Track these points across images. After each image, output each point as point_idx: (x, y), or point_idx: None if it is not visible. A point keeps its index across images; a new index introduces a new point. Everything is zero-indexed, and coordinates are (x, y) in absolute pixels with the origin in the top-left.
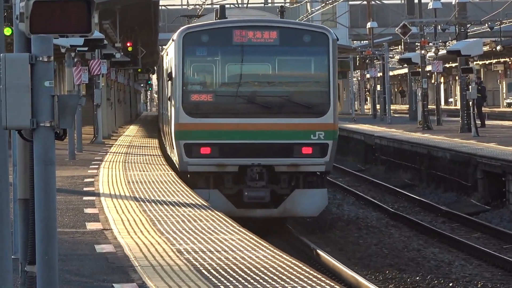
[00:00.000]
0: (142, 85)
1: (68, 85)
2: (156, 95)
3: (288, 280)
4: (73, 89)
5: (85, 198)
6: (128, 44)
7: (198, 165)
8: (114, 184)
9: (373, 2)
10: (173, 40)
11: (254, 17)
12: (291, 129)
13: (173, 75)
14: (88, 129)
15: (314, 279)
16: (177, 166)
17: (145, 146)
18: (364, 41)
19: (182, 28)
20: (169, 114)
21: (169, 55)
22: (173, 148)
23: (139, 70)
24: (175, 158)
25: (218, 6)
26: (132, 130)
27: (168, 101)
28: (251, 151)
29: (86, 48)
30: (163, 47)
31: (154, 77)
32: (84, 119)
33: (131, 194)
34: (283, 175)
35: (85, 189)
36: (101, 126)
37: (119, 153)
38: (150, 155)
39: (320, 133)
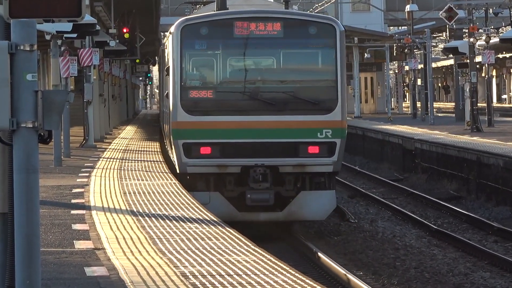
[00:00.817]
0: (141, 78)
1: (53, 78)
2: (157, 90)
3: None
4: (59, 83)
5: (73, 211)
6: (125, 30)
7: (198, 166)
8: (108, 196)
9: None
10: (170, 33)
11: (257, 7)
12: (296, 127)
13: (171, 70)
14: (77, 131)
15: None
16: (176, 167)
17: (144, 151)
18: (403, 27)
19: (180, 20)
20: (167, 112)
21: (167, 49)
22: (172, 149)
23: (138, 60)
24: (173, 159)
25: None
26: (129, 131)
27: (166, 98)
28: (254, 151)
29: (75, 35)
30: (166, 34)
31: (155, 69)
32: (73, 118)
33: (128, 207)
34: (288, 176)
35: (73, 201)
36: (92, 127)
37: (114, 158)
38: (151, 161)
39: (328, 131)
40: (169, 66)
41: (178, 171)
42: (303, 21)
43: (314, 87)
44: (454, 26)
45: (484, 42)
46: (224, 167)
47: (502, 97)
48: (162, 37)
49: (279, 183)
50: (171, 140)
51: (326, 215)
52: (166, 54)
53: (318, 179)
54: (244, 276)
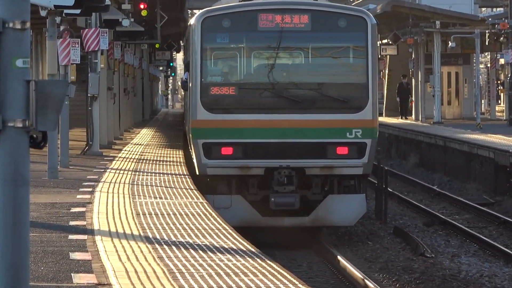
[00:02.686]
0: (161, 68)
1: (50, 66)
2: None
3: None
4: (57, 73)
5: (71, 236)
6: (142, 6)
7: (219, 167)
8: (116, 217)
9: None
10: (190, 25)
11: None
12: (324, 126)
13: (191, 65)
14: (79, 133)
15: None
16: (195, 169)
17: (164, 161)
18: (498, 9)
19: (201, 11)
20: (187, 110)
21: (188, 42)
22: (191, 149)
23: (157, 45)
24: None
25: None
26: (145, 135)
27: (186, 95)
28: (278, 152)
29: (78, 11)
30: (195, 12)
31: (179, 56)
32: (73, 118)
33: (141, 232)
34: (315, 179)
35: (72, 223)
36: (98, 130)
37: (125, 170)
38: (172, 174)
39: (357, 131)
40: (188, 61)
41: (197, 173)
42: (332, 13)
43: (344, 83)
44: None
45: None
46: (246, 169)
47: None
48: (190, 15)
49: (305, 186)
50: (191, 139)
51: (355, 221)
52: (187, 48)
53: (347, 182)
54: None
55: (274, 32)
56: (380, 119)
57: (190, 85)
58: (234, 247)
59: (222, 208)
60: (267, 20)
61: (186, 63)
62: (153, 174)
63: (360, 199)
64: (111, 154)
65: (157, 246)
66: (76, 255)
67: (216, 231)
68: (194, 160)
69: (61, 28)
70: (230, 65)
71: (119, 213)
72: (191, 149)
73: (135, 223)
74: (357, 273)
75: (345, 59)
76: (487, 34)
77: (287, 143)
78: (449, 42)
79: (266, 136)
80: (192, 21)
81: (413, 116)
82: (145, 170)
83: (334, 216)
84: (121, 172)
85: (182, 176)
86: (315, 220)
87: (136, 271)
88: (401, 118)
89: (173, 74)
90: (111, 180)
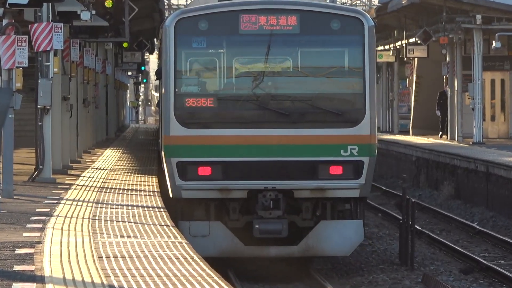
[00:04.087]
0: (130, 73)
1: None
2: (155, 93)
3: None
4: None
5: (16, 285)
6: None
7: (195, 189)
8: (73, 261)
9: None
10: (161, 28)
11: None
12: (315, 142)
13: (163, 73)
14: (26, 155)
15: None
16: (169, 191)
17: (133, 189)
18: None
19: (174, 12)
20: (160, 125)
21: (160, 47)
22: (164, 169)
23: (126, 44)
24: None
25: None
26: (110, 157)
27: (158, 108)
28: (263, 172)
29: (25, 1)
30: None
31: (153, 58)
32: (19, 135)
33: (105, 280)
34: (305, 203)
35: (16, 268)
36: (50, 150)
37: (84, 201)
38: (143, 206)
39: (353, 148)
40: (160, 68)
41: (171, 196)
42: (324, 14)
43: (337, 94)
44: None
45: None
46: (227, 191)
47: None
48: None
49: (294, 211)
50: (163, 158)
51: (351, 250)
52: (160, 53)
53: (341, 206)
54: None
55: (258, 36)
56: (406, 138)
57: (163, 96)
58: None
59: (199, 236)
60: (249, 22)
61: (158, 71)
62: (120, 207)
63: (357, 226)
64: (66, 181)
65: None
66: None
67: (199, 278)
68: (168, 182)
69: (4, 22)
70: (208, 73)
71: (77, 255)
72: (164, 168)
73: (97, 269)
74: None
75: (339, 66)
76: None
77: (273, 162)
78: (493, 41)
79: (249, 154)
80: (164, 23)
81: (448, 134)
82: (110, 202)
83: (327, 245)
84: (79, 204)
85: (157, 209)
86: (305, 249)
87: None
88: (441, 137)
89: (145, 81)
90: (67, 214)
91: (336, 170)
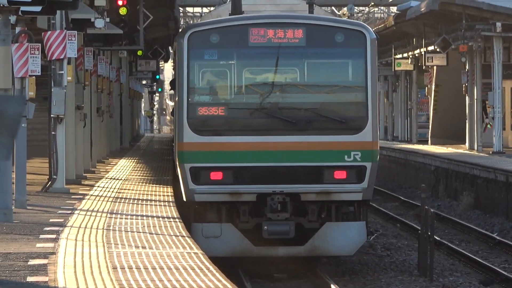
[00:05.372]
0: (145, 82)
1: (2, 78)
2: (170, 103)
3: None
4: (11, 87)
5: None
6: (120, 3)
7: (208, 193)
8: (87, 272)
9: None
10: (175, 41)
11: (275, 12)
12: (320, 148)
13: (177, 84)
14: (39, 165)
15: None
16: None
17: (148, 200)
18: None
19: (187, 26)
20: (174, 133)
21: (175, 59)
22: (178, 173)
23: (140, 53)
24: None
25: None
26: (124, 167)
27: (172, 116)
28: (272, 176)
29: (38, 8)
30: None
31: (167, 66)
32: (32, 145)
33: None
34: (311, 205)
35: (30, 279)
36: (63, 160)
37: (98, 212)
38: (158, 217)
39: (356, 154)
40: (174, 79)
41: (184, 199)
42: (328, 27)
43: (341, 103)
44: None
45: None
46: (237, 195)
47: None
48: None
49: (301, 213)
50: (177, 163)
51: (355, 250)
52: (174, 64)
53: (345, 209)
54: None
55: (266, 48)
56: (425, 148)
57: (176, 105)
58: None
59: (211, 237)
60: (258, 35)
61: (172, 81)
62: (135, 217)
63: (360, 227)
64: (80, 192)
65: None
66: None
67: None
68: (181, 186)
69: (17, 30)
70: (219, 83)
71: (91, 266)
72: (178, 173)
73: (111, 280)
74: None
75: (343, 77)
76: None
77: (280, 167)
78: None
79: (258, 159)
80: (178, 36)
81: (467, 144)
82: (124, 212)
83: (331, 245)
84: (93, 214)
85: (172, 220)
86: (312, 249)
87: None
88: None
89: (159, 90)
90: (81, 224)
91: (341, 174)
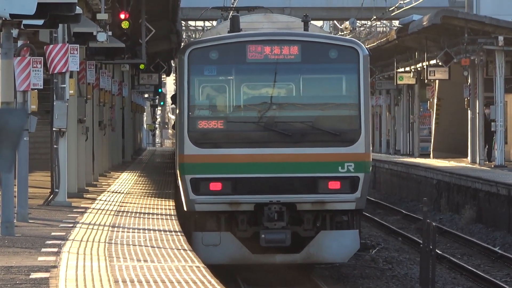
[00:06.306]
0: (147, 95)
1: (4, 92)
2: (172, 116)
3: None
4: (13, 100)
5: None
6: (123, 17)
7: (207, 203)
8: (89, 286)
9: None
10: (176, 57)
11: (272, 29)
12: (315, 160)
13: (178, 98)
14: (41, 178)
15: None
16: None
17: (150, 213)
18: None
19: (187, 43)
20: (176, 146)
21: (176, 74)
22: (179, 185)
23: (142, 66)
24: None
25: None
26: (126, 181)
27: (174, 130)
28: (269, 187)
29: (40, 22)
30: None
31: (169, 80)
32: (34, 158)
33: None
34: (307, 214)
35: None
36: (65, 174)
37: (100, 225)
38: (160, 230)
39: (350, 165)
40: (175, 94)
41: (185, 209)
42: (323, 44)
43: (335, 116)
44: None
45: None
46: (236, 205)
47: None
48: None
49: (297, 222)
50: (178, 175)
51: (348, 257)
52: (176, 80)
53: (339, 218)
54: None
55: (263, 64)
56: (427, 161)
57: (178, 119)
58: None
59: (210, 246)
60: (256, 51)
61: (173, 96)
62: (136, 231)
63: (353, 235)
64: (82, 205)
65: None
66: None
67: None
68: (182, 196)
69: (19, 43)
70: (218, 98)
71: (93, 280)
72: (179, 184)
73: None
74: None
75: (337, 91)
76: None
77: (277, 178)
78: None
79: (255, 171)
80: (178, 53)
81: (469, 157)
82: (126, 226)
83: (326, 252)
84: (95, 227)
85: (173, 233)
86: (307, 257)
87: None
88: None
89: (162, 103)
90: (82, 238)
91: (335, 185)
